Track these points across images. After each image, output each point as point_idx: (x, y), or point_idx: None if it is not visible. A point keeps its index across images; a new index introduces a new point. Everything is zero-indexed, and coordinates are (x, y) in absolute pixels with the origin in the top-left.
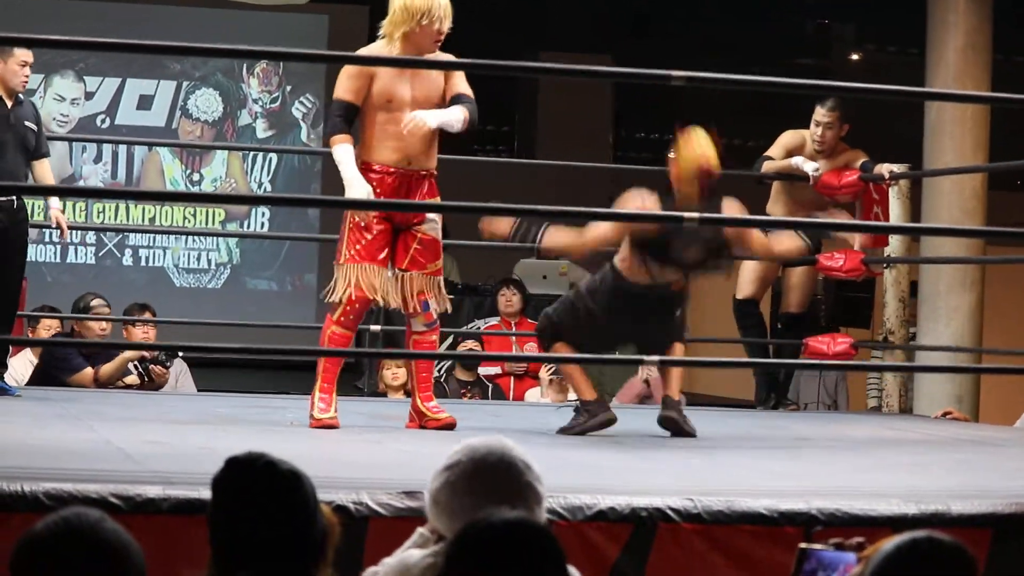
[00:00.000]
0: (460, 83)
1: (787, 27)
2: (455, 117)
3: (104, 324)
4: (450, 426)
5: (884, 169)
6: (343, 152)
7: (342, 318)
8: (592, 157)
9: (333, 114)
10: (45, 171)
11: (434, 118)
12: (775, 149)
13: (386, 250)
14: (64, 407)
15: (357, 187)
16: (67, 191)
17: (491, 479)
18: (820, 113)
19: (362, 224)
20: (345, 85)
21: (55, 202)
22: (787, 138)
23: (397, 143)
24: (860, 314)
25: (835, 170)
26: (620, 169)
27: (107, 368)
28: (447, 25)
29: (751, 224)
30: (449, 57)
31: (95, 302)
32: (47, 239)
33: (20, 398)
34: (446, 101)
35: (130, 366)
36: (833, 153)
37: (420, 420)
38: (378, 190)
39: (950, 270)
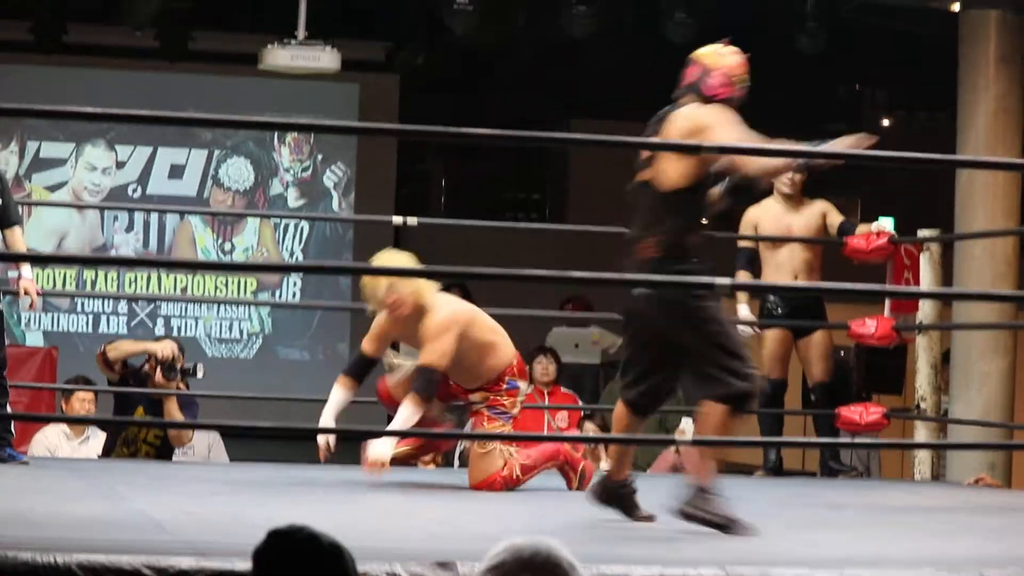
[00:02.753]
0: (427, 346)
1: (818, 92)
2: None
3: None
4: None
5: (874, 228)
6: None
7: None
8: (624, 224)
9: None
10: (17, 239)
11: (383, 450)
12: (745, 230)
13: None
14: (96, 477)
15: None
16: (97, 261)
17: None
18: None
19: None
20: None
21: (26, 271)
22: (747, 217)
23: None
24: (892, 381)
25: (865, 234)
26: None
27: (120, 345)
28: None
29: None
30: (438, 316)
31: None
32: (79, 309)
33: (47, 468)
34: None
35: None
36: (801, 203)
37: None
38: None
39: (982, 336)
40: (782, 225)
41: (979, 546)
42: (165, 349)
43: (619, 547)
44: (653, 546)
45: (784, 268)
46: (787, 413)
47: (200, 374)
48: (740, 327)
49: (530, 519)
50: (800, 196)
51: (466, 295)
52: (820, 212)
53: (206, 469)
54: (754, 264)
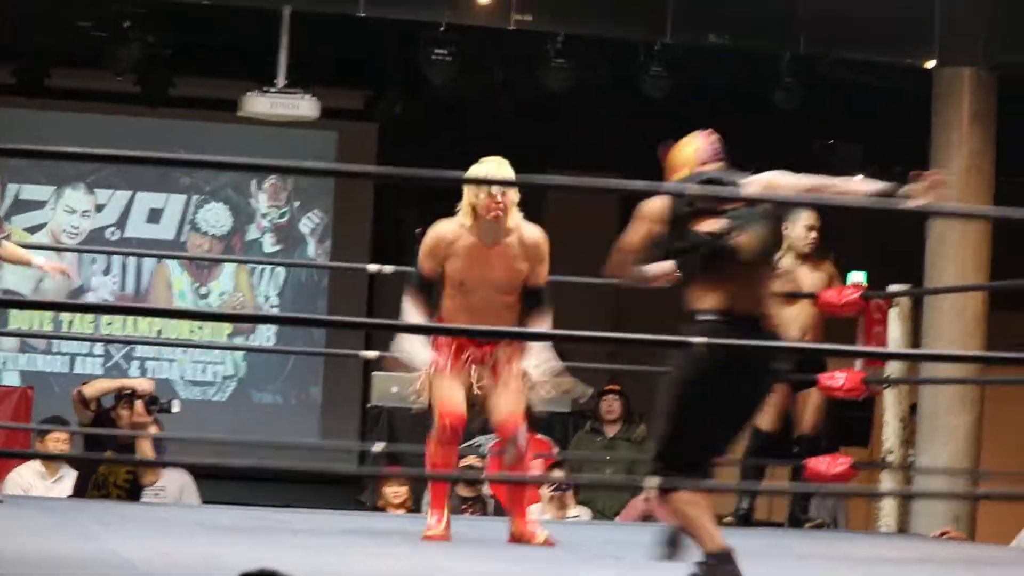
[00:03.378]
0: (543, 270)
1: (793, 146)
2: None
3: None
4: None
5: (849, 281)
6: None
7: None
8: (598, 270)
9: (412, 280)
10: (10, 246)
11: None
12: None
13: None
14: (69, 516)
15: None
16: (70, 307)
17: None
18: (812, 216)
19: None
20: (422, 259)
21: (38, 259)
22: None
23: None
24: (859, 433)
25: (837, 288)
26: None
27: (97, 384)
28: (501, 190)
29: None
30: (535, 230)
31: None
32: (55, 350)
33: (21, 507)
34: (523, 285)
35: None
36: (814, 261)
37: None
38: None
39: (949, 390)
40: (794, 282)
41: None
42: (144, 383)
43: None
44: None
45: (793, 324)
46: (760, 463)
47: (176, 408)
48: None
49: (501, 567)
50: (814, 255)
51: None
52: (829, 275)
53: (178, 510)
54: None
